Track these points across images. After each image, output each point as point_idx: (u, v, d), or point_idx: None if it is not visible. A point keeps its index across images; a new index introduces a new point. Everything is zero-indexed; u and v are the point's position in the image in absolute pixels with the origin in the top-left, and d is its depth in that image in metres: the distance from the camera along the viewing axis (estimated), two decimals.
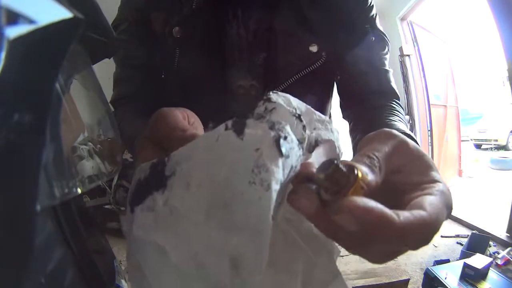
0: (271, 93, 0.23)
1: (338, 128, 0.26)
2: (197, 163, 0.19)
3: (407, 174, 0.22)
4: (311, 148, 0.23)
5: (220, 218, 0.18)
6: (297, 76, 0.53)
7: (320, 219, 0.19)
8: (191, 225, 0.19)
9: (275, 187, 0.18)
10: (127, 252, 0.21)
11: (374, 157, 0.21)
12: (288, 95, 0.23)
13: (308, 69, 0.53)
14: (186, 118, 0.26)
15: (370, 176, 0.20)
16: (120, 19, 0.56)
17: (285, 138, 0.19)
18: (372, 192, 0.19)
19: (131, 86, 0.58)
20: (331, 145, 0.24)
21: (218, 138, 0.19)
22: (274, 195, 0.18)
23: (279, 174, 0.18)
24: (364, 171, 0.19)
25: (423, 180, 0.22)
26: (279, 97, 0.22)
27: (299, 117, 0.22)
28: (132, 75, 0.58)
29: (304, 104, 0.24)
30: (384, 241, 0.18)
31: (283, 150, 0.19)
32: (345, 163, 0.19)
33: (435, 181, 0.21)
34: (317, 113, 0.24)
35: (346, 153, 0.26)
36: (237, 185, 0.18)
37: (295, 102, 0.23)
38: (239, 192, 0.18)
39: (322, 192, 0.19)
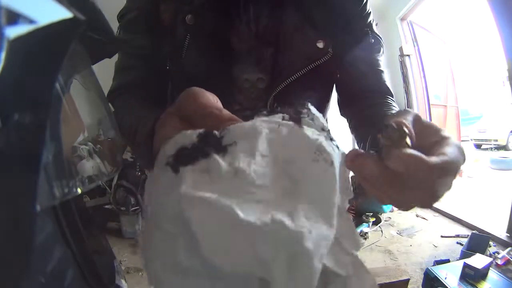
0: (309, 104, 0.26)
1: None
2: (260, 140, 0.21)
3: (424, 137, 0.27)
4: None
5: (286, 187, 0.20)
6: (303, 71, 0.54)
7: (378, 173, 0.24)
8: (258, 189, 0.19)
9: (337, 165, 0.21)
10: (145, 219, 0.21)
11: (407, 123, 0.26)
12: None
13: (314, 64, 0.54)
14: (216, 101, 0.27)
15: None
16: (128, 7, 0.56)
17: (332, 139, 0.23)
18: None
19: (134, 76, 0.57)
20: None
21: (279, 125, 0.22)
22: (337, 172, 0.21)
23: (338, 161, 0.21)
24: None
25: (437, 138, 0.27)
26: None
27: (328, 132, 0.25)
28: (136, 64, 0.57)
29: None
30: (423, 179, 0.23)
31: (335, 147, 0.23)
32: (396, 122, 0.24)
33: (446, 137, 0.27)
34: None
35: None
36: (302, 163, 0.21)
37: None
38: (304, 168, 0.20)
39: (383, 147, 0.24)
